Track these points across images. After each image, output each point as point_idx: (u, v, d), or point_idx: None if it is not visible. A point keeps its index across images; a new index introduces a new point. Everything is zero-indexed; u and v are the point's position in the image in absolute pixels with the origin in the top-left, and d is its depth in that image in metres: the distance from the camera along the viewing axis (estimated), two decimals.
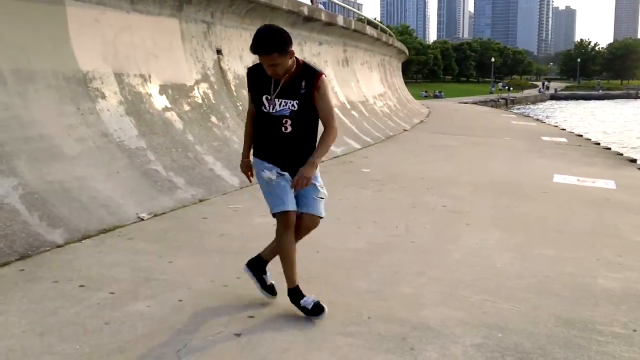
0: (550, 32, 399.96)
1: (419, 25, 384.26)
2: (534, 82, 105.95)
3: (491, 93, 67.05)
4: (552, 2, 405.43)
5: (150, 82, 7.03)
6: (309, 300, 3.33)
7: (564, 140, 15.25)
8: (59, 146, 5.29)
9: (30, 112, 5.21)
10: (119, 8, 6.60)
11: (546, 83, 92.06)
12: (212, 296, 3.57)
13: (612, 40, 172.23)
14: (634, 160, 12.04)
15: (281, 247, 3.41)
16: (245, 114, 3.59)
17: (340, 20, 14.10)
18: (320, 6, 14.11)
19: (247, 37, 9.84)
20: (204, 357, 2.81)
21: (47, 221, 4.59)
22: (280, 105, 3.24)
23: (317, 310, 3.30)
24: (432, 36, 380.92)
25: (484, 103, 46.14)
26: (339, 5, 20.24)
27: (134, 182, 5.77)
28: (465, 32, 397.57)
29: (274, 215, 3.32)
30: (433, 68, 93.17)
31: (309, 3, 12.96)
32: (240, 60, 9.47)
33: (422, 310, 3.44)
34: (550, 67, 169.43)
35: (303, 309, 3.32)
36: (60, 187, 5.01)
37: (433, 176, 8.30)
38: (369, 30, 17.43)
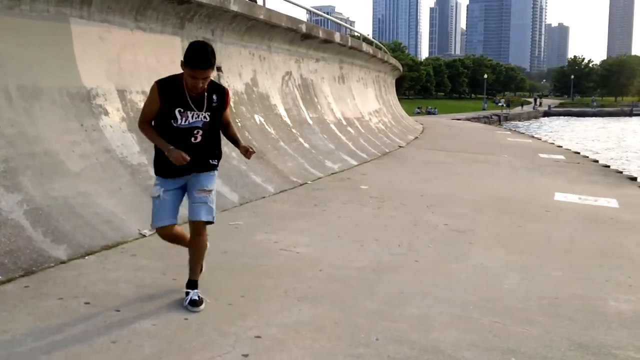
0: (543, 48, 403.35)
1: (411, 42, 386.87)
2: (527, 99, 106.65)
3: (484, 109, 67.41)
4: (545, 19, 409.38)
5: None
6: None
7: (561, 157, 15.28)
8: (63, 162, 5.29)
9: (35, 128, 5.22)
10: (123, 26, 6.64)
11: (538, 100, 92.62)
12: (217, 315, 3.56)
13: (605, 57, 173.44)
14: (634, 179, 11.97)
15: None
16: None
17: (337, 37, 14.19)
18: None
19: (246, 54, 9.90)
20: None
21: (51, 237, 4.58)
22: (192, 117, 3.57)
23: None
24: (424, 53, 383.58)
25: (477, 119, 46.31)
26: (334, 22, 20.41)
27: (135, 198, 5.76)
28: (457, 49, 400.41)
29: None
30: (425, 84, 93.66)
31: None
32: (239, 77, 9.51)
33: (431, 332, 3.42)
34: (544, 83, 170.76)
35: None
36: (64, 202, 5.01)
37: (432, 193, 8.32)
38: (364, 47, 17.54)
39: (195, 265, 3.81)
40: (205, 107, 3.60)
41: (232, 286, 4.09)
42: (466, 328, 3.49)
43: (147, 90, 6.91)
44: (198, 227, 3.71)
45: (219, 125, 3.75)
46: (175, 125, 3.55)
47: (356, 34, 23.51)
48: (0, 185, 4.61)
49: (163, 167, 3.67)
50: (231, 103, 8.88)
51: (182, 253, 4.78)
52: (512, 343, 3.31)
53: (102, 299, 3.72)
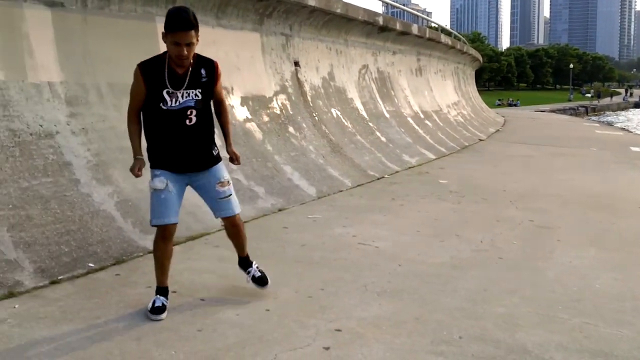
0: (632, 36, 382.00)
1: (491, 32, 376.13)
2: (616, 90, 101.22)
3: (570, 101, 64.64)
4: (635, 5, 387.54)
5: (232, 94, 7.21)
6: (158, 300, 3.44)
7: None
8: None
9: (124, 123, 5.38)
10: (205, 23, 6.81)
11: (629, 90, 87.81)
12: (297, 307, 3.58)
13: None
14: None
15: (154, 254, 3.51)
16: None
17: (414, 29, 13.99)
18: None
19: (323, 49, 9.94)
20: None
21: (140, 227, 4.78)
22: (183, 97, 3.27)
23: (156, 310, 3.39)
24: (504, 43, 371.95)
25: (562, 111, 44.51)
26: (411, 14, 20.12)
27: None
28: (540, 38, 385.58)
29: (152, 225, 3.43)
30: (507, 75, 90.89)
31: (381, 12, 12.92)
32: (316, 71, 9.56)
33: (517, 331, 3.28)
34: (634, 73, 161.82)
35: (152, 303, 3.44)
36: None
37: (515, 188, 8.03)
38: (443, 38, 17.21)
39: (243, 247, 3.82)
40: (194, 83, 3.30)
41: (311, 279, 4.11)
42: (554, 328, 3.34)
43: (228, 86, 7.18)
44: (235, 221, 3.62)
45: (210, 104, 3.48)
46: (165, 108, 3.26)
47: (433, 25, 23.05)
48: (92, 178, 4.87)
49: (166, 160, 3.38)
50: (308, 97, 8.95)
51: (262, 246, 4.88)
52: (604, 345, 3.13)
53: (187, 288, 3.83)
